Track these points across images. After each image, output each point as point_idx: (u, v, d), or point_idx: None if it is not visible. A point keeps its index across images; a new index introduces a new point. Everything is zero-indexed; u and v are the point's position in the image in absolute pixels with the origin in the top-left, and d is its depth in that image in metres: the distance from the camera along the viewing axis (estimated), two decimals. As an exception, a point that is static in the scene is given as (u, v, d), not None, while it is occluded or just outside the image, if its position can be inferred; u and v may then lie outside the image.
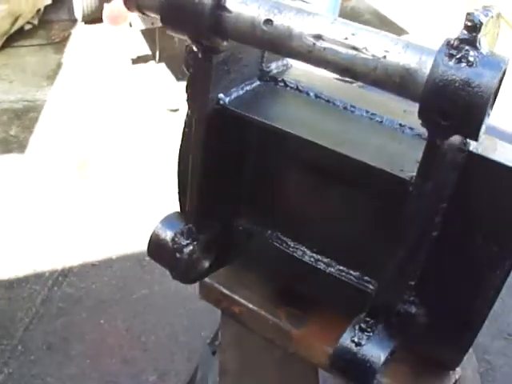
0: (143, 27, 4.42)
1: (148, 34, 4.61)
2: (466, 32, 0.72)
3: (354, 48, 0.78)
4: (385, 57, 0.77)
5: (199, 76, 0.98)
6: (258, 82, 1.09)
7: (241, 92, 1.05)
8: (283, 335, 1.36)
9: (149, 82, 4.67)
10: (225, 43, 0.92)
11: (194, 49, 1.14)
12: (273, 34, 0.83)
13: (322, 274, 1.17)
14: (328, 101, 1.06)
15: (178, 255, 1.13)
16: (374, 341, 0.98)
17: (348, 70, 0.79)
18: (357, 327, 1.00)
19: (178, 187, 1.30)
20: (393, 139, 0.97)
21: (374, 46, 0.77)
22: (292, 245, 1.19)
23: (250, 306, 1.37)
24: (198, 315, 2.85)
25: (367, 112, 1.03)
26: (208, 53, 0.93)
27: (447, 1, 6.11)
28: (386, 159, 0.91)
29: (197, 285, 3.00)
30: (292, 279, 1.30)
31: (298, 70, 1.16)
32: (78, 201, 3.49)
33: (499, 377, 2.72)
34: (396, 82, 0.77)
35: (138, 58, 4.80)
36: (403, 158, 0.92)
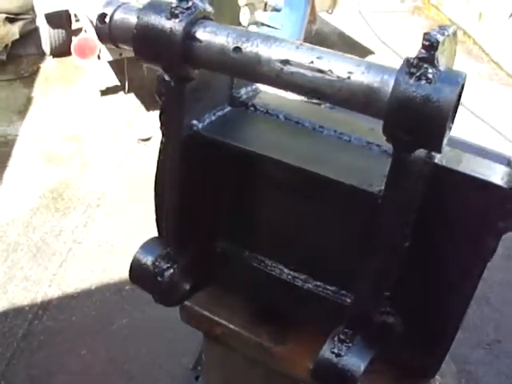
0: (111, 58, 4.45)
1: (116, 64, 4.65)
2: (424, 51, 0.77)
3: (320, 71, 0.83)
4: (349, 77, 0.81)
5: (173, 104, 1.02)
6: (229, 108, 1.13)
7: (213, 118, 1.09)
8: (265, 353, 1.38)
9: (119, 113, 4.70)
10: (196, 71, 0.96)
11: (166, 78, 1.18)
12: (242, 60, 0.87)
13: (299, 290, 1.20)
14: (297, 122, 1.10)
15: (159, 279, 1.15)
16: (354, 351, 1.01)
17: (315, 91, 0.84)
18: (336, 339, 1.03)
19: (156, 212, 1.32)
20: (361, 156, 1.02)
21: (338, 68, 0.82)
22: (270, 263, 1.23)
23: (232, 326, 1.39)
24: (178, 341, 2.85)
25: (335, 131, 1.07)
26: (180, 81, 0.97)
27: (410, 22, 6.30)
28: (355, 175, 0.96)
29: (177, 311, 2.98)
30: (271, 298, 1.33)
31: (267, 94, 1.20)
32: (53, 233, 3.47)
33: (481, 386, 2.76)
34: (360, 100, 0.81)
35: (108, 89, 4.83)
36: (371, 174, 0.96)
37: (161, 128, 1.25)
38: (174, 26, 0.90)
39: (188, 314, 1.44)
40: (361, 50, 5.46)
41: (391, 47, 5.56)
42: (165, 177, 1.17)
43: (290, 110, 1.13)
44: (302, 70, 0.84)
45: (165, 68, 0.95)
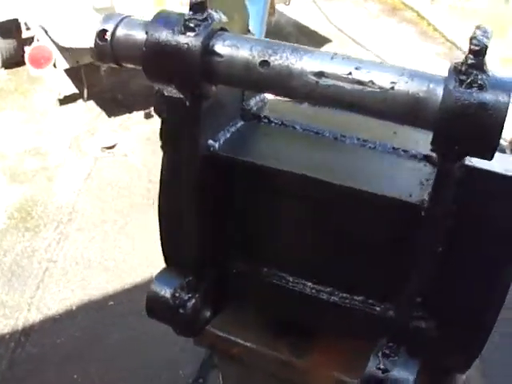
0: (68, 66, 4.29)
1: (74, 72, 4.48)
2: (472, 56, 0.73)
3: (360, 82, 0.77)
4: (392, 88, 0.76)
5: (187, 124, 0.94)
6: (242, 122, 1.07)
7: (228, 135, 1.02)
8: (287, 368, 1.34)
9: (80, 122, 4.53)
10: (213, 88, 0.89)
11: (166, 93, 1.10)
12: (270, 75, 0.80)
13: (324, 303, 1.16)
14: (317, 133, 1.04)
15: (181, 311, 1.09)
16: (400, 364, 0.97)
17: (355, 105, 0.78)
18: (380, 354, 0.99)
19: (162, 237, 1.25)
20: (390, 164, 0.97)
21: (380, 78, 0.76)
22: (291, 279, 1.17)
23: (249, 344, 1.34)
24: (173, 353, 2.78)
25: (358, 139, 1.02)
26: (197, 100, 0.90)
27: (364, 7, 6.31)
28: (391, 186, 0.91)
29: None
30: (292, 312, 1.28)
31: (278, 103, 1.14)
32: (26, 254, 3.32)
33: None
34: (406, 112, 0.76)
35: (66, 98, 4.65)
36: (407, 183, 0.92)
37: (163, 147, 1.18)
38: (191, 40, 0.82)
39: (201, 337, 1.38)
40: (318, 39, 5.44)
41: (347, 34, 5.55)
42: (170, 198, 1.11)
43: (305, 119, 1.07)
44: (339, 83, 0.77)
45: (180, 87, 0.87)
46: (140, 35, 0.89)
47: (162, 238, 1.22)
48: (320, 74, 0.78)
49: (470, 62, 0.72)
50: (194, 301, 1.09)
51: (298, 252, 1.15)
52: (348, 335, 1.24)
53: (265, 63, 0.80)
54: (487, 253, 0.96)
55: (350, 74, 0.77)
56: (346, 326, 1.19)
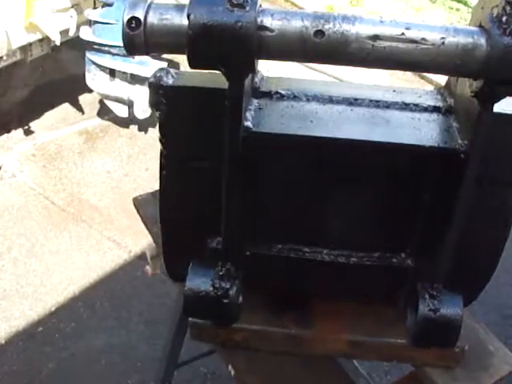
0: None
1: None
2: (509, 8, 0.82)
3: (413, 41, 0.83)
4: (443, 43, 0.83)
5: (229, 107, 0.93)
6: (255, 101, 1.08)
7: (252, 113, 1.03)
8: (297, 341, 1.38)
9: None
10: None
11: (164, 83, 1.09)
12: (326, 44, 0.84)
13: (343, 266, 1.21)
14: (331, 100, 1.09)
15: (225, 301, 1.08)
16: (447, 302, 1.06)
17: (410, 63, 0.84)
18: (427, 296, 1.07)
19: (165, 241, 1.23)
20: (412, 119, 1.05)
21: (430, 35, 0.83)
22: (308, 250, 1.21)
23: (253, 327, 1.35)
24: (118, 365, 2.73)
25: (371, 101, 1.09)
26: (241, 80, 0.90)
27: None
28: (423, 137, 0.98)
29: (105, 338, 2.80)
30: (304, 283, 1.31)
31: (274, 79, 1.17)
32: None
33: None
34: (457, 63, 0.84)
35: None
36: (434, 133, 1.00)
37: (161, 141, 1.16)
38: (244, 17, 0.82)
39: (199, 331, 1.36)
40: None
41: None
42: (172, 194, 1.10)
43: (311, 90, 1.12)
44: (393, 44, 0.83)
45: (235, 68, 0.87)
46: (177, 19, 0.87)
47: (170, 237, 1.20)
48: (375, 37, 0.83)
49: (509, 11, 0.82)
50: (235, 288, 1.09)
51: (314, 222, 1.19)
52: (364, 295, 1.30)
53: (319, 33, 0.83)
54: (491, 189, 1.07)
55: (403, 34, 0.83)
56: (362, 285, 1.25)
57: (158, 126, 1.16)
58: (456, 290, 1.08)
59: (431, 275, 1.07)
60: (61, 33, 3.62)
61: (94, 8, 3.75)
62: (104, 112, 4.16)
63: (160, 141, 1.14)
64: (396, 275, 1.21)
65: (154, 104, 1.12)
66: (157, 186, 3.94)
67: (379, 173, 1.07)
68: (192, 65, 0.88)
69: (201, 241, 1.20)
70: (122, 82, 3.83)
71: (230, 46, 0.84)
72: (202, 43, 0.84)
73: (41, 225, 3.39)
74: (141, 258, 3.33)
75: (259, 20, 0.84)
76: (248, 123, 0.98)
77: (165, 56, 4.77)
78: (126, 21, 0.88)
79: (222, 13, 0.82)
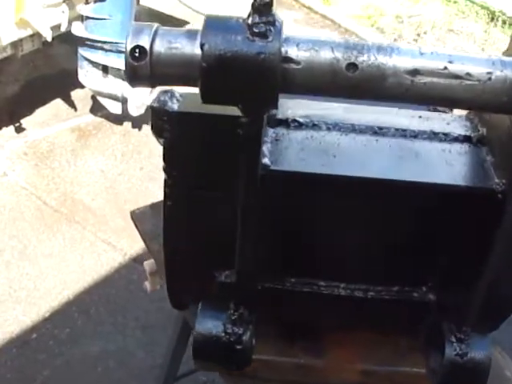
0: None
1: None
2: None
3: (456, 76, 0.75)
4: (490, 78, 0.75)
5: (246, 144, 0.85)
6: (272, 130, 1.00)
7: (270, 147, 0.95)
8: (308, 371, 1.32)
9: None
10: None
11: (168, 108, 1.01)
12: (360, 79, 0.76)
13: (359, 300, 1.15)
14: (354, 129, 1.01)
15: (238, 347, 1.01)
16: (475, 345, 1.00)
17: (452, 100, 0.77)
18: (453, 339, 1.00)
19: (169, 271, 1.16)
20: (442, 151, 0.97)
21: (475, 69, 0.76)
22: (324, 284, 1.15)
23: (263, 357, 1.29)
24: (112, 371, 2.67)
25: (396, 130, 1.01)
26: (260, 116, 0.81)
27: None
28: (457, 174, 0.91)
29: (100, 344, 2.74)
30: (319, 316, 1.25)
31: (291, 101, 1.09)
32: None
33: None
34: (504, 100, 0.76)
35: None
36: (468, 168, 0.93)
37: (165, 170, 1.07)
38: (266, 48, 0.73)
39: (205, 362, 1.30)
40: (177, 23, 5.29)
41: (203, 12, 5.47)
42: (177, 228, 1.03)
43: (332, 117, 1.03)
44: (435, 79, 0.75)
45: (255, 104, 0.78)
46: (188, 48, 0.78)
47: (175, 268, 1.13)
48: (414, 72, 0.75)
49: None
50: (248, 333, 1.03)
51: (333, 256, 1.12)
52: (381, 327, 1.24)
53: (352, 66, 0.75)
54: None
55: (446, 68, 0.75)
56: (380, 318, 1.19)
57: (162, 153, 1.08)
58: (484, 331, 1.02)
59: (459, 317, 1.01)
60: (52, 28, 3.51)
61: (87, 3, 3.63)
62: (97, 108, 4.05)
63: (164, 170, 1.05)
64: (416, 309, 1.14)
65: (157, 131, 1.03)
66: (151, 185, 3.87)
67: (404, 210, 0.99)
68: (205, 100, 0.79)
69: (208, 273, 1.13)
70: (116, 78, 3.73)
71: (250, 81, 0.75)
72: (217, 77, 0.75)
73: (33, 226, 3.30)
74: (136, 260, 3.26)
75: (283, 51, 0.75)
76: (266, 160, 0.90)
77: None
78: (129, 50, 0.78)
79: (242, 43, 0.73)
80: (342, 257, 1.10)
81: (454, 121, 1.03)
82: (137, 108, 3.86)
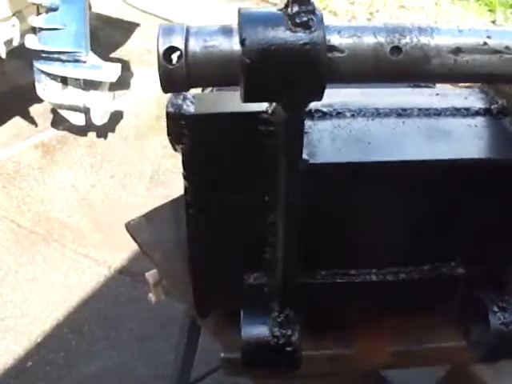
0: None
1: None
2: None
3: (496, 51, 0.76)
4: (528, 51, 0.76)
5: (286, 140, 0.83)
6: None
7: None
8: (341, 361, 1.32)
9: None
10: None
11: (187, 112, 0.99)
12: (405, 62, 0.75)
13: (391, 284, 1.15)
14: (379, 113, 1.01)
15: (288, 349, 1.00)
16: None
17: (494, 75, 0.77)
18: (496, 309, 1.02)
19: (196, 277, 1.14)
20: (469, 126, 0.99)
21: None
22: (355, 272, 1.14)
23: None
24: None
25: (419, 110, 1.02)
26: (303, 109, 0.80)
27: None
28: (493, 148, 0.93)
29: (104, 363, 2.68)
30: (351, 305, 1.25)
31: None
32: None
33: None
34: (542, 71, 0.77)
35: None
36: (502, 140, 0.94)
37: (186, 177, 1.05)
38: (312, 38, 0.72)
39: (235, 367, 1.27)
40: (125, 25, 5.20)
41: (151, 12, 5.38)
42: (202, 236, 1.04)
43: (353, 103, 1.03)
44: (477, 56, 0.76)
45: (301, 98, 0.77)
46: (226, 45, 0.74)
47: (203, 283, 1.12)
48: (457, 51, 0.75)
49: None
50: (297, 334, 1.02)
51: (365, 243, 1.12)
52: (411, 308, 1.25)
53: (396, 49, 0.75)
54: None
55: (486, 44, 0.76)
56: (409, 300, 1.20)
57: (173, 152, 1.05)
58: None
59: (499, 287, 1.02)
60: (5, 43, 3.39)
61: (38, 14, 3.53)
62: (58, 122, 3.95)
63: (184, 177, 1.02)
64: (447, 285, 1.16)
65: (175, 137, 0.99)
66: (124, 194, 3.79)
67: (436, 188, 1.00)
68: (248, 98, 0.76)
69: (236, 277, 1.12)
70: (76, 88, 3.64)
71: (297, 73, 0.73)
72: (262, 72, 0.72)
73: (10, 251, 3.19)
74: (122, 272, 3.20)
75: (327, 39, 0.74)
76: (303, 155, 0.89)
77: (112, 56, 4.58)
78: (161, 52, 0.74)
79: (285, 35, 0.70)
80: (373, 242, 1.11)
81: (471, 95, 1.05)
82: (100, 117, 3.78)
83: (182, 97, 1.00)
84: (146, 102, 4.28)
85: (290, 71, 0.73)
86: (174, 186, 3.65)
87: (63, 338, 2.81)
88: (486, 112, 1.00)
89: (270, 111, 0.95)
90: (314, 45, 0.71)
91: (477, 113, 1.00)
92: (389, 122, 0.99)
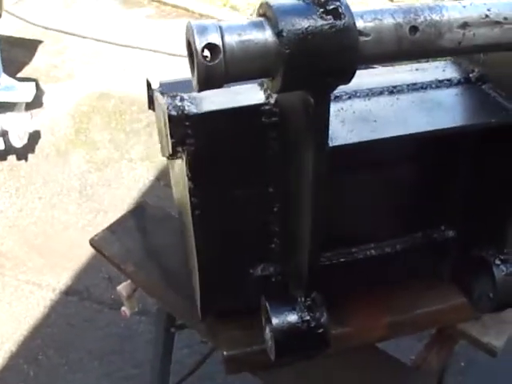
0: None
1: None
2: None
3: (496, 23, 0.85)
4: (523, 20, 0.86)
5: (312, 125, 0.87)
6: None
7: None
8: (337, 341, 1.36)
9: None
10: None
11: (191, 112, 1.00)
12: (422, 40, 0.82)
13: (388, 255, 1.21)
14: (373, 93, 1.08)
15: (320, 331, 1.04)
16: None
17: (496, 45, 0.85)
18: (498, 262, 1.11)
19: (204, 282, 1.15)
20: (456, 95, 1.07)
21: (510, 14, 0.86)
22: (356, 249, 1.19)
23: None
24: None
25: (408, 86, 1.09)
26: (328, 95, 0.84)
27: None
28: (488, 112, 1.01)
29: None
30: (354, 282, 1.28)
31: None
32: None
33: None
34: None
35: None
36: (490, 105, 1.03)
37: (191, 179, 1.06)
38: (344, 25, 0.75)
39: (239, 363, 1.29)
40: (30, 44, 5.00)
41: (53, 28, 5.20)
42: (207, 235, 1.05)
43: (347, 85, 1.09)
44: (482, 29, 0.84)
45: (333, 83, 0.81)
46: (260, 37, 0.76)
47: (210, 282, 1.13)
48: (464, 25, 0.83)
49: None
50: (324, 314, 1.05)
51: (364, 220, 1.17)
52: (411, 276, 1.30)
53: (413, 29, 0.81)
54: None
55: (487, 16, 0.84)
56: (409, 266, 1.27)
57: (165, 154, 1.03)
58: None
59: (498, 243, 1.11)
60: None
61: None
62: (-25, 148, 3.73)
63: (190, 179, 1.02)
64: (439, 249, 1.23)
65: (178, 139, 0.98)
66: (56, 213, 3.66)
67: (434, 156, 1.08)
68: (286, 87, 0.79)
69: (243, 271, 1.14)
70: (-9, 112, 3.46)
71: (333, 60, 0.77)
72: (301, 61, 0.76)
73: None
74: (67, 293, 3.09)
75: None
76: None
77: (19, 75, 4.39)
78: (199, 50, 0.74)
79: (320, 23, 0.74)
80: (372, 219, 1.17)
81: (447, 67, 1.14)
82: (20, 139, 3.62)
83: (179, 98, 1.00)
84: (61, 118, 4.15)
85: (327, 58, 0.77)
86: (105, 198, 3.58)
87: (19, 369, 2.68)
88: (465, 81, 1.10)
89: (272, 102, 0.99)
90: (347, 30, 0.76)
91: (459, 82, 1.09)
92: (385, 100, 1.06)
